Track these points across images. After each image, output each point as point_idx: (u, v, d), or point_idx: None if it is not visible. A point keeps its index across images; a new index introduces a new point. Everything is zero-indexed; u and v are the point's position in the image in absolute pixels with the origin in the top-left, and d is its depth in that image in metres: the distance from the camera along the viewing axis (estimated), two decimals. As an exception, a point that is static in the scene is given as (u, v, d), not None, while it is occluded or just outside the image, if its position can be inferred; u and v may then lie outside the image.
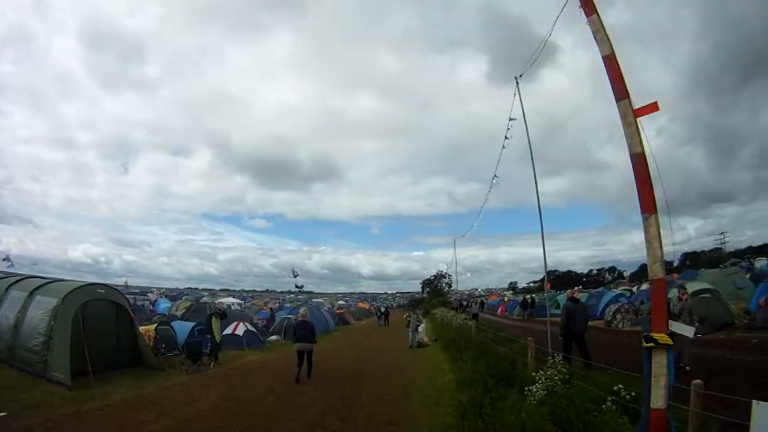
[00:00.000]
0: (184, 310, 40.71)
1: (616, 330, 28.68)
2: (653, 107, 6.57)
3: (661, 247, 5.46)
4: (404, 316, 48.64)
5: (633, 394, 7.90)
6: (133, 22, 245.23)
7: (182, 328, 22.73)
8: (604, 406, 8.23)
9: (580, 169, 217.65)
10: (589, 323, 17.50)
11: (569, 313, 16.34)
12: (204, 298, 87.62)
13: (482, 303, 68.66)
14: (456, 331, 27.75)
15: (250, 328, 28.61)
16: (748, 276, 36.26)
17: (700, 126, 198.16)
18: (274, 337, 33.38)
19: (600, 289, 64.39)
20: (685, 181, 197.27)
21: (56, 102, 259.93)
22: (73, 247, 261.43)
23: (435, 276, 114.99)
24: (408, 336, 28.98)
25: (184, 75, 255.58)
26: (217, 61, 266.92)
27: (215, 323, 21.09)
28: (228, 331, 26.41)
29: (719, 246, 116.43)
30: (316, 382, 16.30)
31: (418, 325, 29.83)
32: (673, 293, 13.14)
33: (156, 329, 21.03)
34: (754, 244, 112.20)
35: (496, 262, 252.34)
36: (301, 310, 20.86)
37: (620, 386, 8.19)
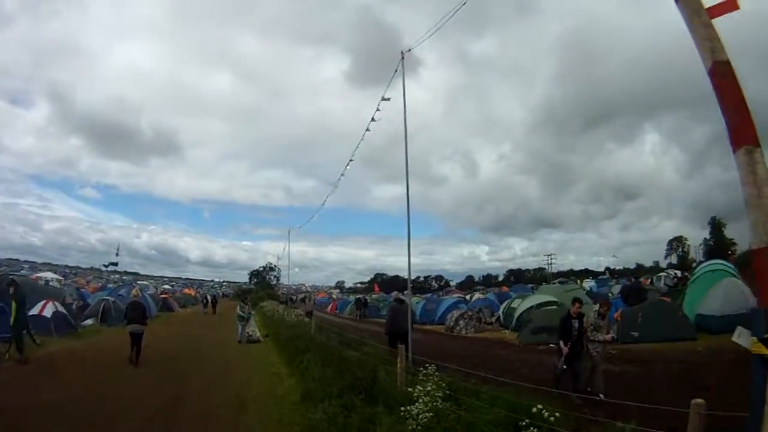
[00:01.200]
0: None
1: (461, 336, 27.53)
2: (732, 5, 4.29)
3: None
4: (237, 308, 45.44)
5: (557, 415, 6.31)
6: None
7: None
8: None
9: (419, 180, 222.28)
10: (429, 327, 16.45)
11: (394, 313, 16.82)
12: (23, 271, 79.52)
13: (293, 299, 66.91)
14: (291, 329, 24.36)
15: (60, 309, 23.98)
16: (585, 292, 36.78)
17: (540, 159, 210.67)
18: (89, 321, 29.52)
19: (428, 294, 65.22)
20: (518, 205, 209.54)
21: None
22: None
23: (264, 267, 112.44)
24: (237, 329, 25.89)
25: (37, 14, 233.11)
26: (74, 6, 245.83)
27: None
28: (34, 311, 22.00)
29: (543, 267, 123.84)
30: (129, 386, 13.11)
31: (249, 316, 26.98)
32: (594, 307, 12.82)
33: None
34: (576, 268, 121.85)
35: (324, 260, 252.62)
36: (133, 290, 21.29)
37: (539, 407, 6.51)
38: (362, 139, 18.12)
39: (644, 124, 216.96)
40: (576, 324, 11.51)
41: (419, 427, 7.10)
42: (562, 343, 11.33)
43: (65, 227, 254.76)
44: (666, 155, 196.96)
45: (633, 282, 24.09)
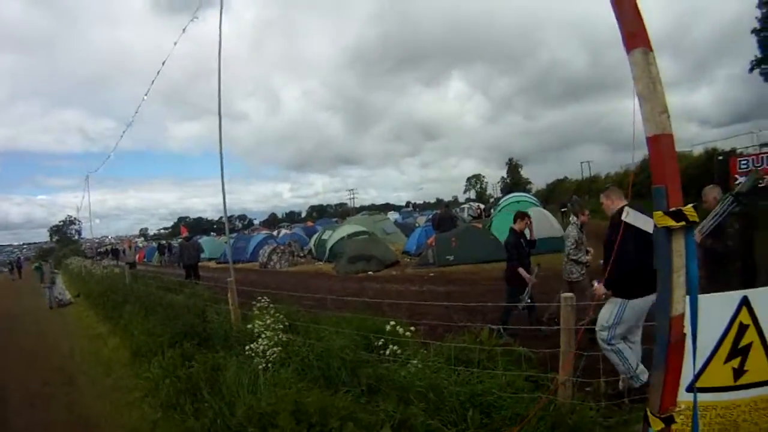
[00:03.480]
0: None
1: (276, 270, 27.53)
2: None
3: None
4: (33, 266, 42.31)
5: (412, 329, 6.45)
6: None
7: None
8: (383, 352, 6.31)
9: (216, 117, 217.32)
10: (241, 265, 21.54)
11: (182, 249, 20.81)
12: None
13: (116, 251, 63.78)
14: (102, 283, 22.51)
15: None
16: (392, 222, 39.90)
17: (345, 98, 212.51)
18: None
19: (235, 234, 64.89)
20: (320, 142, 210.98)
21: None
22: None
23: (64, 222, 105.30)
24: (45, 294, 23.89)
25: None
26: None
27: None
28: None
29: (345, 202, 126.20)
30: None
31: (54, 278, 24.27)
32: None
33: None
34: (377, 203, 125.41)
35: (125, 208, 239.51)
36: None
37: (392, 323, 6.44)
38: (161, 69, 16.86)
39: (452, 71, 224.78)
40: (524, 243, 9.14)
41: (270, 365, 6.66)
42: (523, 271, 8.62)
43: None
44: (470, 102, 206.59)
45: (444, 210, 25.02)
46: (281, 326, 7.45)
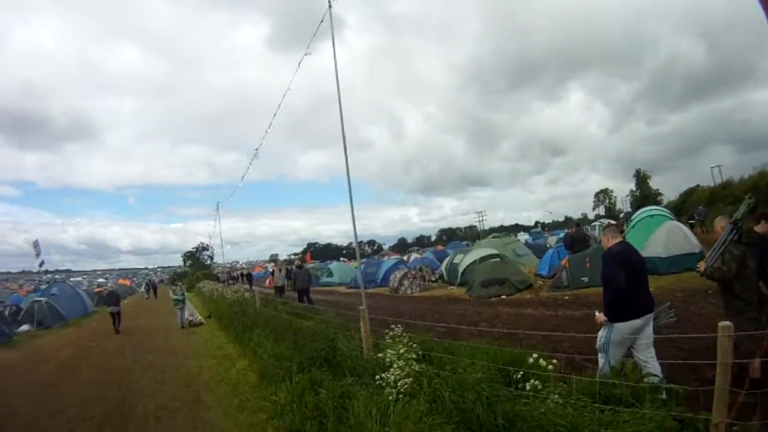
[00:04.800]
0: None
1: (408, 296, 26.85)
2: None
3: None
4: (170, 292, 44.08)
5: (555, 362, 5.99)
6: None
7: None
8: (520, 387, 5.76)
9: (341, 144, 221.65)
10: (372, 290, 21.27)
11: (295, 275, 23.88)
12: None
13: (249, 275, 65.45)
14: (233, 306, 22.36)
15: None
16: (523, 244, 38.42)
17: (466, 118, 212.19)
18: (24, 328, 27.77)
19: (365, 259, 64.87)
20: (445, 165, 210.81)
21: None
22: None
23: (197, 248, 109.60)
24: (177, 314, 24.58)
25: None
26: None
27: None
28: None
29: (474, 224, 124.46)
30: (71, 393, 11.72)
31: (183, 300, 25.36)
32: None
33: None
34: (505, 224, 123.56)
35: (255, 234, 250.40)
36: (110, 285, 17.62)
37: (534, 355, 6.02)
38: (284, 97, 16.93)
39: (569, 82, 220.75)
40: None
41: (401, 396, 6.23)
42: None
43: None
44: (590, 111, 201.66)
45: (576, 229, 23.83)
46: (414, 356, 7.05)
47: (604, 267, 6.50)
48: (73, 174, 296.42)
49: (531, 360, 5.83)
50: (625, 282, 6.04)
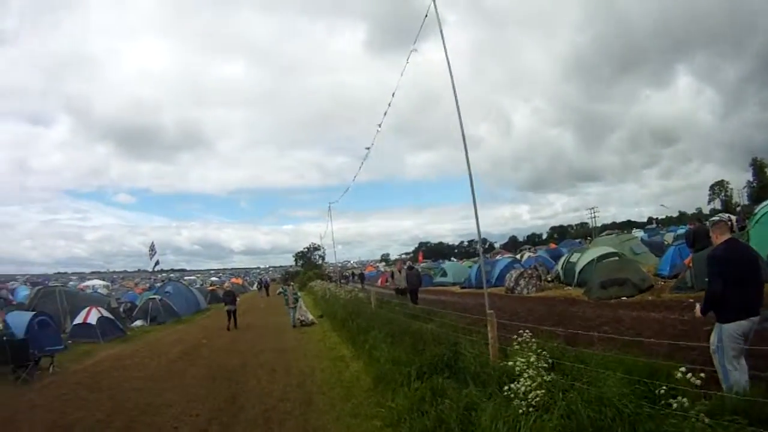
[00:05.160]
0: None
1: (524, 296, 25.96)
2: None
3: None
4: (277, 291, 44.91)
5: (702, 376, 5.06)
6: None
7: (18, 321, 17.65)
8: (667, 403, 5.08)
9: (452, 143, 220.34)
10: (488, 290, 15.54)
11: (408, 276, 22.48)
12: (71, 283, 79.99)
13: (362, 275, 65.84)
14: (347, 306, 22.70)
15: (106, 314, 23.35)
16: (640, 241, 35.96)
17: (572, 110, 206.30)
18: (138, 323, 28.82)
19: (475, 258, 64.04)
20: (554, 160, 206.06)
21: None
22: None
23: (308, 248, 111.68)
24: (289, 313, 24.94)
25: (41, 30, 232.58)
26: (78, 14, 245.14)
27: None
28: (78, 320, 22.13)
29: (585, 222, 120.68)
30: (180, 389, 11.96)
31: (296, 299, 25.58)
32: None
33: None
34: (617, 220, 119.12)
35: (366, 234, 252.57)
36: (226, 283, 19.74)
37: (682, 369, 5.15)
38: (393, 95, 16.71)
39: (676, 66, 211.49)
40: None
41: (532, 410, 5.73)
42: None
43: (107, 235, 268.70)
44: (700, 97, 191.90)
45: (698, 225, 22.29)
46: (544, 364, 6.55)
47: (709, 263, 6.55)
48: (186, 181, 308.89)
49: (679, 375, 5.11)
50: (725, 285, 6.03)
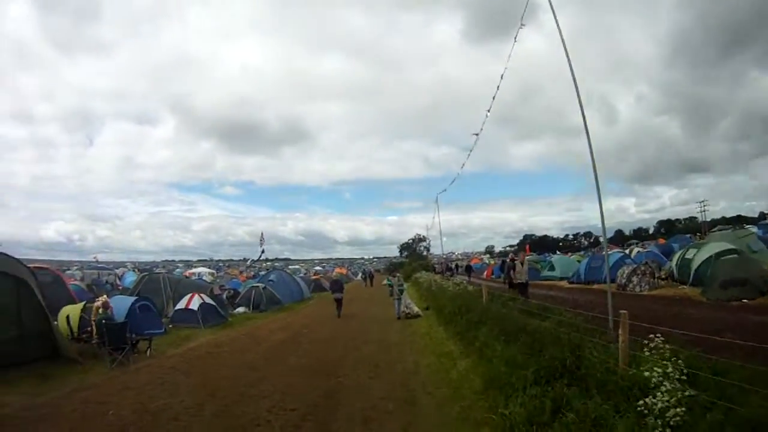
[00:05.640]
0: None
1: (636, 294, 24.53)
2: None
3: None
4: (383, 282, 44.89)
5: None
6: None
7: (120, 305, 18.19)
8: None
9: (555, 133, 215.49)
10: (597, 287, 20.32)
11: (509, 270, 21.34)
12: (177, 270, 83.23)
13: (469, 266, 64.95)
14: (455, 299, 21.34)
15: (208, 300, 23.96)
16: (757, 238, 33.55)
17: (678, 96, 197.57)
18: (240, 309, 29.46)
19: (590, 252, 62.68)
20: (660, 149, 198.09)
21: (12, 73, 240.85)
22: (45, 226, 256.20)
23: (413, 239, 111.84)
24: (394, 304, 24.70)
25: (141, 36, 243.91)
26: (176, 20, 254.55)
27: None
28: (181, 305, 22.94)
29: (694, 216, 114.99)
30: (276, 378, 11.84)
31: (401, 290, 25.17)
32: None
33: (83, 308, 16.32)
34: (726, 215, 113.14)
35: (469, 226, 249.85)
36: (334, 273, 22.13)
37: None
38: (502, 76, 16.32)
39: None
40: None
41: (668, 431, 5.18)
42: None
43: (213, 225, 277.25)
44: None
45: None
46: (681, 376, 5.87)
47: None
48: (289, 173, 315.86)
49: None
50: None
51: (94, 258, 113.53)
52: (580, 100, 9.90)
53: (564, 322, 10.89)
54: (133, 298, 19.88)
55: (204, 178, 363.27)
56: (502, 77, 15.13)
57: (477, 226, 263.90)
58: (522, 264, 21.29)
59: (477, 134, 21.83)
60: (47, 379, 11.79)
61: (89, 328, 15.20)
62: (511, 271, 20.79)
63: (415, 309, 24.48)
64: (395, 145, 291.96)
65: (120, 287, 40.87)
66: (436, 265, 71.91)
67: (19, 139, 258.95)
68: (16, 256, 14.68)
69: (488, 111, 17.56)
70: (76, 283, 33.92)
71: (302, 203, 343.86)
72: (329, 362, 13.78)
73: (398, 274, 33.03)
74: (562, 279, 37.98)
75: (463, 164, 29.49)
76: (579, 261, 41.31)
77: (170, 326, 21.03)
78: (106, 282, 46.30)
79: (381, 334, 18.63)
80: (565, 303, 16.39)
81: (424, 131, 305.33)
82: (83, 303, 17.28)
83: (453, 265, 69.58)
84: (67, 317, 15.90)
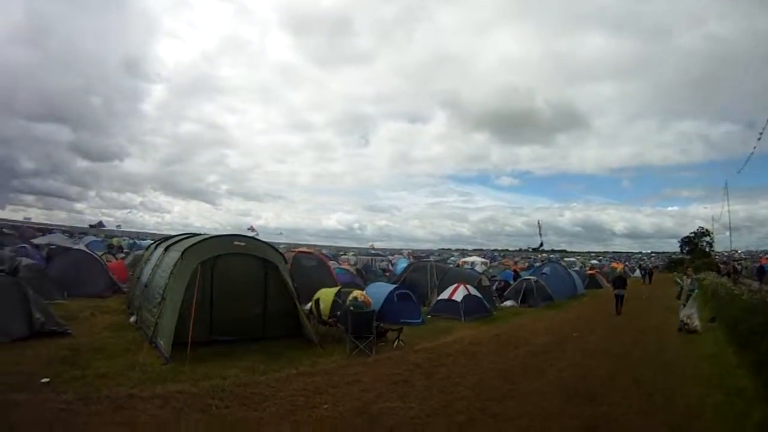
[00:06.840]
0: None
1: None
2: None
3: None
4: (674, 278, 40.96)
5: None
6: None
7: (378, 292, 18.72)
8: None
9: None
10: None
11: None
12: (452, 258, 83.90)
13: (762, 268, 55.17)
14: (753, 312, 15.64)
15: (474, 292, 22.88)
16: None
17: None
18: (508, 303, 27.93)
19: None
20: None
21: (284, 92, 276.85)
22: (327, 217, 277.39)
23: (695, 233, 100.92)
24: (678, 311, 20.39)
25: (396, 42, 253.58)
26: (427, 22, 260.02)
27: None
28: (444, 295, 22.46)
29: None
30: (523, 396, 10.05)
31: (690, 294, 20.88)
32: None
33: (338, 293, 16.35)
34: None
35: (755, 218, 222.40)
36: (618, 269, 25.81)
37: None
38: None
39: None
40: None
41: None
42: None
43: (489, 216, 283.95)
44: None
45: None
46: None
47: None
48: (566, 162, 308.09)
49: None
50: None
51: (371, 245, 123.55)
52: None
53: None
54: (392, 286, 20.51)
55: (480, 169, 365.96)
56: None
57: (763, 218, 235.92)
58: None
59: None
60: (278, 357, 12.18)
61: (338, 313, 15.20)
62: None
63: (696, 322, 19.55)
64: (672, 126, 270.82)
65: (387, 273, 41.84)
66: (721, 265, 62.67)
67: (299, 145, 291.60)
68: (298, 242, 15.48)
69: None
70: (344, 266, 35.45)
71: (579, 192, 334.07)
72: (596, 381, 11.66)
73: (690, 271, 27.15)
74: None
75: (759, 136, 24.06)
76: None
77: (428, 316, 20.70)
78: (378, 267, 48.16)
79: (657, 350, 15.47)
80: None
81: (701, 107, 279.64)
82: (338, 287, 17.56)
83: (740, 267, 60.94)
84: (318, 300, 16.14)
